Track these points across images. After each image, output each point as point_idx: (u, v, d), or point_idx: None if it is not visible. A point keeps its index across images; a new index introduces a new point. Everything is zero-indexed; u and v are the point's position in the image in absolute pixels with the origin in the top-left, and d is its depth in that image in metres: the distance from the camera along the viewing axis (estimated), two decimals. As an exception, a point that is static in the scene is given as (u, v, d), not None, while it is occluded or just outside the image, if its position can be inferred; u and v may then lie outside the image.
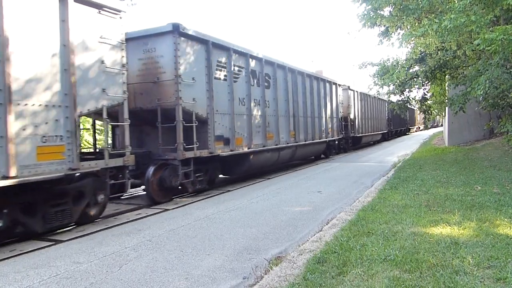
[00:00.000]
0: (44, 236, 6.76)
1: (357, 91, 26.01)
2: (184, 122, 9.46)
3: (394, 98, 21.43)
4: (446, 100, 18.23)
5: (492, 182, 9.10)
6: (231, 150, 11.33)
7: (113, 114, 8.21)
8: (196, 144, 9.82)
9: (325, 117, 19.31)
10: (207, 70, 10.46)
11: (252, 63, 12.83)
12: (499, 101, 12.61)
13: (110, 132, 9.67)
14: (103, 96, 7.41)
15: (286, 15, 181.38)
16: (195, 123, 9.76)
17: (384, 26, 13.13)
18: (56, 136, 6.52)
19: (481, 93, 10.08)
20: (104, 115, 7.38)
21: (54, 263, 5.29)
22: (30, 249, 6.04)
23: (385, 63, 17.39)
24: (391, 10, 12.11)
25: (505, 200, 7.10)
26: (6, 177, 5.75)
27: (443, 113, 24.95)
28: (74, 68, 6.78)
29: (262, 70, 13.35)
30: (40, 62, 6.35)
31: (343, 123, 22.60)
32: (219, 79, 11.04)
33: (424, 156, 17.50)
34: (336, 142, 21.47)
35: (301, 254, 4.85)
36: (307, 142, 16.88)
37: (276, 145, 14.04)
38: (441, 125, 62.65)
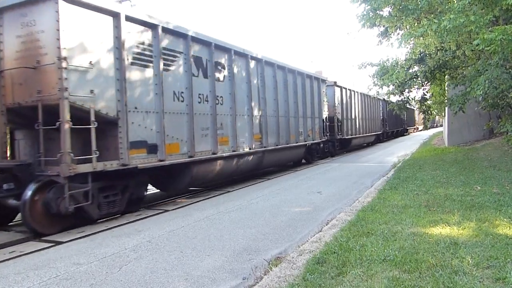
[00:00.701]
0: (45, 238, 6.77)
1: (345, 88, 23.63)
2: (76, 123, 6.94)
3: (394, 99, 21.41)
4: (446, 100, 18.23)
5: (492, 182, 9.10)
6: (160, 160, 8.66)
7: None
8: (96, 153, 7.20)
9: (305, 117, 16.98)
10: (118, 52, 7.76)
11: (196, 48, 10.17)
12: (498, 101, 12.61)
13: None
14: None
15: (286, 16, 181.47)
16: (94, 124, 7.15)
17: (384, 26, 13.15)
18: None
19: (481, 93, 10.09)
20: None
21: (54, 264, 5.30)
22: (30, 251, 6.05)
23: (385, 64, 17.41)
24: (391, 10, 12.12)
25: (505, 200, 7.10)
26: None
27: (443, 113, 24.94)
28: None
29: (211, 57, 10.66)
30: None
31: (328, 124, 20.02)
32: (140, 65, 8.39)
33: (424, 156, 17.50)
34: (321, 145, 19.39)
35: (301, 255, 4.86)
36: (279, 147, 14.33)
37: (233, 151, 11.48)
38: (441, 125, 62.67)
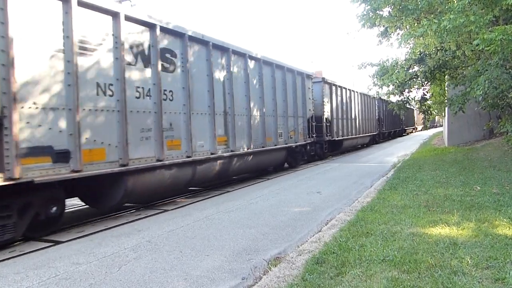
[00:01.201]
0: (44, 237, 6.77)
1: (335, 85, 21.51)
2: None
3: (394, 99, 21.40)
4: (446, 101, 18.23)
5: (492, 183, 9.10)
6: (74, 171, 6.73)
7: None
8: None
9: (285, 116, 15.02)
10: (2, 27, 5.84)
11: (132, 30, 8.19)
12: (498, 101, 12.61)
13: None
14: None
15: (286, 16, 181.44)
16: None
17: (384, 26, 13.16)
18: None
19: (481, 93, 10.09)
20: None
21: (53, 264, 5.30)
22: (30, 250, 6.05)
23: (385, 64, 17.40)
24: (390, 10, 12.13)
25: (505, 201, 7.10)
26: None
27: (443, 114, 24.93)
28: None
29: (155, 43, 8.69)
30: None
31: (314, 124, 18.11)
32: (41, 48, 6.44)
33: (423, 156, 17.50)
34: (308, 147, 17.69)
35: (300, 255, 4.86)
36: (251, 150, 12.32)
37: (188, 157, 9.44)
38: (440, 126, 62.62)
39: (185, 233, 6.58)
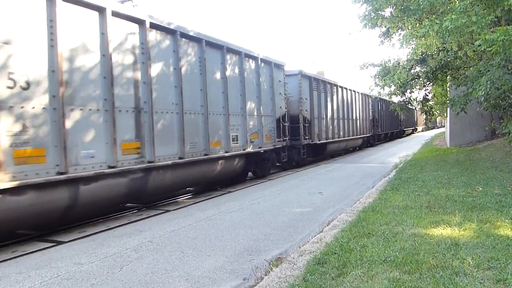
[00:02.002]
0: (46, 237, 6.78)
1: (317, 79, 18.60)
2: None
3: (396, 99, 21.37)
4: (448, 101, 18.22)
5: (494, 183, 9.08)
6: None
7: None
8: None
9: (243, 115, 11.94)
10: None
11: None
12: (500, 101, 12.60)
13: None
14: None
15: (287, 17, 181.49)
16: None
17: (385, 26, 13.18)
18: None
19: (483, 93, 10.08)
20: None
21: (55, 264, 5.31)
22: (32, 250, 6.07)
23: (386, 64, 17.40)
24: (392, 11, 12.13)
25: (507, 201, 7.08)
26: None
27: (445, 114, 24.90)
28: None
29: None
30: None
31: (287, 124, 15.13)
32: None
33: (425, 157, 17.48)
34: (281, 153, 14.76)
35: (301, 255, 4.86)
36: (183, 161, 9.28)
37: (60, 173, 6.53)
38: (442, 126, 62.48)
39: (187, 234, 6.59)
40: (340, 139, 21.51)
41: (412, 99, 20.99)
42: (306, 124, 17.11)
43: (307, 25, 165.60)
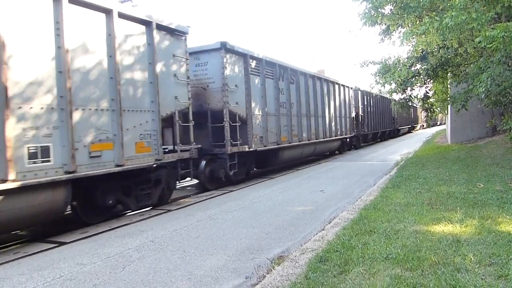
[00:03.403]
0: (48, 238, 6.80)
1: (259, 59, 13.42)
2: None
3: (396, 97, 21.32)
4: (448, 98, 18.20)
5: (495, 180, 9.08)
6: None
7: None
8: None
9: (67, 109, 6.76)
10: None
11: None
12: (501, 98, 12.59)
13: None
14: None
15: (287, 15, 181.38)
16: None
17: (385, 24, 13.16)
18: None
19: (483, 90, 10.06)
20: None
21: (57, 265, 5.33)
22: (34, 251, 6.08)
23: (387, 62, 17.37)
24: (392, 8, 12.11)
25: (508, 198, 7.08)
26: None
27: (446, 111, 24.86)
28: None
29: None
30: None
31: (190, 125, 9.91)
32: None
33: (426, 154, 17.47)
34: (185, 168, 9.88)
35: (303, 253, 4.86)
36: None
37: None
38: (441, 124, 62.29)
39: (189, 233, 6.60)
40: (302, 142, 16.38)
41: (413, 97, 20.95)
42: (238, 124, 11.87)
43: (307, 24, 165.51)
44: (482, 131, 21.27)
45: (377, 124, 31.08)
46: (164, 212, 8.56)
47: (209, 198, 9.99)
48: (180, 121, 9.56)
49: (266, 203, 8.87)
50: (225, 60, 11.56)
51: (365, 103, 27.89)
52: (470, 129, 21.72)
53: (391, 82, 15.89)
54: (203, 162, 11.21)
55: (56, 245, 6.41)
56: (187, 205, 9.20)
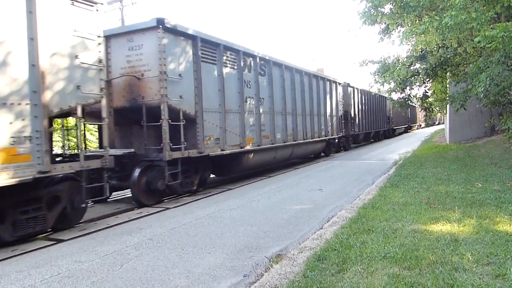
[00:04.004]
0: (46, 236, 6.79)
1: (215, 43, 11.03)
2: None
3: (395, 96, 21.32)
4: (447, 98, 18.21)
5: (493, 179, 9.10)
6: None
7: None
8: None
9: None
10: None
11: None
12: (500, 98, 12.60)
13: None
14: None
15: (287, 14, 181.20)
16: None
17: (385, 23, 13.16)
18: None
19: (482, 90, 10.06)
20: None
21: (55, 262, 5.32)
22: (32, 249, 6.08)
23: (386, 61, 17.38)
24: (392, 7, 12.11)
25: (506, 197, 7.09)
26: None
27: (444, 111, 24.88)
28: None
29: None
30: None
31: (105, 123, 7.90)
32: None
33: (425, 153, 17.49)
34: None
35: (302, 252, 4.87)
36: None
37: None
38: (440, 123, 62.31)
39: (187, 231, 6.60)
40: (275, 145, 14.10)
41: (412, 96, 20.96)
42: (181, 122, 9.48)
43: (306, 23, 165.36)
44: (481, 130, 21.30)
45: (370, 123, 28.78)
46: (162, 210, 8.56)
47: (207, 196, 9.99)
48: (83, 119, 7.40)
49: (264, 201, 8.87)
50: (163, 42, 9.20)
51: (357, 101, 25.68)
52: (469, 128, 21.74)
53: (390, 81, 15.90)
54: (137, 171, 9.01)
55: (54, 242, 6.40)
56: (185, 203, 9.20)
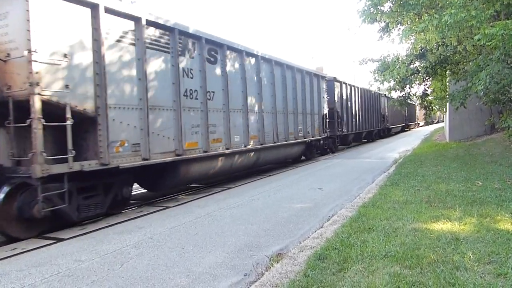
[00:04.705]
0: (46, 235, 6.78)
1: (130, 15, 8.05)
2: None
3: (395, 94, 21.32)
4: (447, 96, 18.21)
5: (493, 178, 9.10)
6: None
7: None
8: None
9: None
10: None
11: None
12: (500, 96, 12.59)
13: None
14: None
15: (286, 13, 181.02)
16: None
17: (384, 22, 13.15)
18: None
19: (482, 88, 10.05)
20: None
21: (56, 261, 5.31)
22: (32, 248, 6.06)
23: (386, 59, 17.36)
24: (391, 5, 12.11)
25: (506, 196, 7.10)
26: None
27: (444, 109, 24.87)
28: None
29: None
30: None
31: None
32: None
33: (425, 152, 17.49)
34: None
35: (302, 251, 4.86)
36: None
37: None
38: (438, 122, 62.20)
39: (187, 230, 6.59)
40: (231, 150, 11.23)
41: (412, 94, 20.95)
42: (69, 123, 6.73)
43: (306, 21, 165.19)
44: (481, 129, 21.29)
45: (362, 122, 26.31)
46: (162, 209, 8.55)
47: (207, 195, 9.98)
48: None
49: (264, 200, 8.86)
50: (35, 6, 6.39)
51: (345, 97, 22.94)
52: (469, 127, 21.74)
53: (390, 79, 15.89)
54: (2, 192, 6.48)
55: (54, 241, 6.39)
56: (185, 202, 9.19)
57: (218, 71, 11.00)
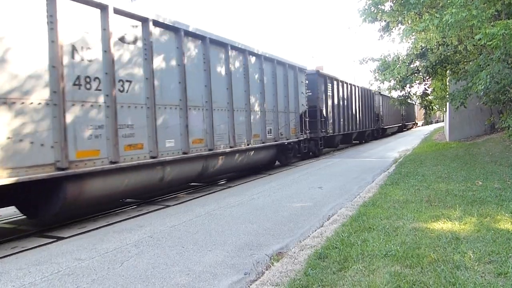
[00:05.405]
0: (46, 233, 6.78)
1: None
2: None
3: (395, 94, 21.32)
4: (447, 96, 18.22)
5: (493, 177, 9.10)
6: None
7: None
8: None
9: None
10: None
11: None
12: (500, 96, 12.59)
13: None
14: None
15: (286, 12, 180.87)
16: None
17: (385, 21, 13.17)
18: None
19: (482, 88, 10.07)
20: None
21: (56, 259, 5.31)
22: (32, 246, 6.06)
23: (386, 58, 17.37)
24: (392, 5, 12.10)
25: (506, 195, 7.10)
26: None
27: (444, 109, 24.88)
28: None
29: None
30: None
31: None
32: None
33: (425, 151, 17.49)
34: None
35: (302, 250, 4.86)
36: None
37: None
38: (438, 121, 62.22)
39: (187, 229, 6.58)
40: (157, 159, 8.45)
41: (412, 94, 20.96)
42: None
43: (306, 20, 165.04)
44: (481, 128, 21.31)
45: (352, 122, 23.84)
46: (162, 208, 8.54)
47: (207, 194, 9.98)
48: None
49: (264, 199, 8.86)
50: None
51: (331, 94, 20.43)
52: (469, 126, 21.76)
53: (390, 79, 15.90)
54: None
55: (54, 240, 6.38)
56: (185, 201, 9.19)
57: (138, 54, 8.17)
